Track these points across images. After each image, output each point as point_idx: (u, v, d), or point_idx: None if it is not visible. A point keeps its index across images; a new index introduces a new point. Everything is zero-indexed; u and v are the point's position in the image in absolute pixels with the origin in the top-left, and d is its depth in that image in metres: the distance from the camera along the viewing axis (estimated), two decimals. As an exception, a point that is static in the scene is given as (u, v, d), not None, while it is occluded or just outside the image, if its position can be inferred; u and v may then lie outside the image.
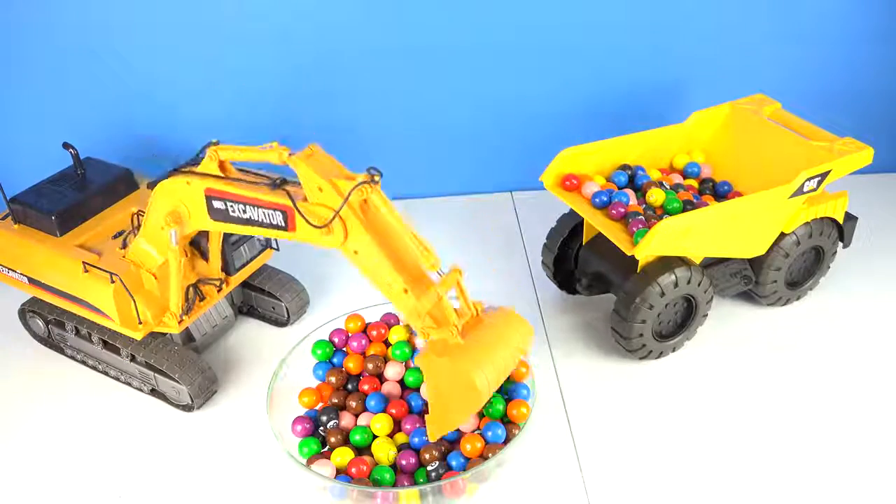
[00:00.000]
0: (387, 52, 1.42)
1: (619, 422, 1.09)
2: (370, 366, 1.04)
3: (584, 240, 1.24)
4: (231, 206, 0.94)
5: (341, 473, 0.94)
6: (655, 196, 1.17)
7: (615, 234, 1.12)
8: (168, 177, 0.98)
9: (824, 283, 1.29)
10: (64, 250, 1.12)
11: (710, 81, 1.49)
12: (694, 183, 1.27)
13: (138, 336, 1.09)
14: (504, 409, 0.97)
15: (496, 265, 1.38)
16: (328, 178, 0.86)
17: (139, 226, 1.08)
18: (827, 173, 1.15)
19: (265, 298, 1.26)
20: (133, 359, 1.14)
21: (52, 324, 1.21)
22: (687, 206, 1.17)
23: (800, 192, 1.14)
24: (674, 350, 1.19)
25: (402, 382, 1.04)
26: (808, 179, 1.14)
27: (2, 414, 1.14)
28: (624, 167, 1.25)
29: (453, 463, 0.93)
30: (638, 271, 1.12)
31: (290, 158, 0.86)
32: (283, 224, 0.91)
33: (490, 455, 0.92)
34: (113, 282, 1.06)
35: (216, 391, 1.15)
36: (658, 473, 1.02)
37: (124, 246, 1.10)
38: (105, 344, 1.16)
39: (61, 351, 1.23)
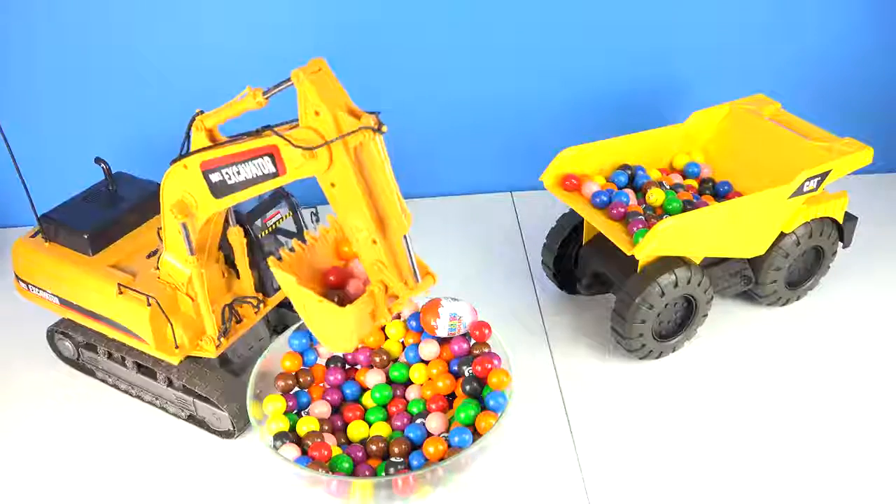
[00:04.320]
0: (386, 51, 1.42)
1: (619, 422, 1.09)
2: (377, 358, 1.05)
3: (584, 240, 1.25)
4: (226, 172, 0.90)
5: (307, 442, 0.95)
6: (655, 196, 1.17)
7: (615, 234, 1.12)
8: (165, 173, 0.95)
9: (824, 283, 1.29)
10: (97, 271, 1.07)
11: (710, 81, 1.49)
12: (694, 183, 1.27)
13: (175, 360, 1.05)
14: (475, 415, 0.95)
15: (496, 265, 1.38)
16: (331, 108, 0.81)
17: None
18: (827, 173, 1.15)
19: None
20: (170, 384, 1.10)
21: (82, 347, 1.16)
22: (687, 206, 1.17)
23: (800, 192, 1.14)
24: (674, 350, 1.19)
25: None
26: (808, 179, 1.14)
27: (32, 439, 1.10)
28: (624, 167, 1.25)
29: (414, 462, 0.93)
30: (638, 271, 1.12)
31: (293, 73, 0.81)
32: (274, 169, 0.87)
33: (440, 461, 0.91)
34: (149, 304, 1.02)
35: None
36: (658, 473, 1.02)
37: (157, 268, 1.05)
38: (140, 368, 1.12)
39: (92, 374, 1.18)
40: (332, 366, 1.06)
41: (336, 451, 0.95)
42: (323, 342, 0.94)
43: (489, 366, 0.99)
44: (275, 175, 0.88)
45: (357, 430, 0.99)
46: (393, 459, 0.93)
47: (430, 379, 1.02)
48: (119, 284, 1.04)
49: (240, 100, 0.88)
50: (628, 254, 1.09)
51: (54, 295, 1.11)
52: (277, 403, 0.99)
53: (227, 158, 0.89)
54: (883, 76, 1.52)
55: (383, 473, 0.93)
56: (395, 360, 1.07)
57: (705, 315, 1.18)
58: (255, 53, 1.39)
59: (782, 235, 1.19)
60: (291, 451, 0.93)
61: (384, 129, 0.82)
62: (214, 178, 0.92)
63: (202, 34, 1.37)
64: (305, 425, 0.97)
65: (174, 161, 0.93)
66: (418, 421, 0.98)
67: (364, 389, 1.05)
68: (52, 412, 1.14)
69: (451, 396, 1.01)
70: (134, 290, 1.03)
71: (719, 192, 1.25)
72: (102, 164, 1.13)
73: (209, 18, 1.36)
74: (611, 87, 1.50)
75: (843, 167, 1.17)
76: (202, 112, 0.90)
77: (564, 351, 1.21)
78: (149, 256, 1.09)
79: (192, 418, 1.11)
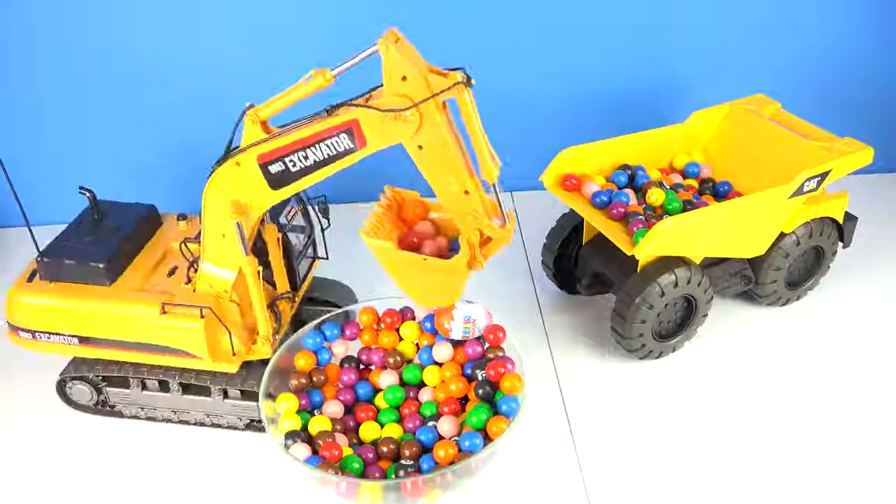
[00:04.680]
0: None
1: (619, 422, 1.09)
2: (391, 360, 1.05)
3: (584, 240, 1.25)
4: (291, 160, 0.89)
5: (318, 441, 0.94)
6: (655, 196, 1.17)
7: (615, 234, 1.12)
8: (211, 174, 0.92)
9: (824, 283, 1.29)
10: (127, 298, 1.02)
11: (710, 81, 1.49)
12: (694, 183, 1.28)
13: (233, 369, 1.02)
14: (487, 420, 0.94)
15: (496, 265, 1.37)
16: (419, 71, 0.83)
17: (193, 255, 1.02)
18: (827, 173, 1.15)
19: (317, 309, 1.18)
20: (226, 395, 1.07)
21: (105, 386, 1.10)
22: (687, 206, 1.17)
23: (800, 192, 1.14)
24: (674, 350, 1.19)
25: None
26: (808, 179, 1.14)
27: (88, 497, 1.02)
28: (624, 167, 1.25)
29: (424, 465, 0.92)
30: (638, 271, 1.12)
31: (378, 43, 0.83)
32: (352, 144, 0.88)
33: (450, 465, 0.90)
34: (203, 316, 0.99)
35: None
36: (658, 473, 1.02)
37: (189, 281, 1.03)
38: (185, 389, 1.08)
39: (119, 414, 1.12)
40: (345, 366, 1.06)
41: (347, 451, 0.95)
42: (427, 303, 0.99)
43: (502, 370, 0.98)
44: (351, 151, 0.88)
45: (369, 431, 0.99)
46: (403, 462, 0.93)
47: (443, 382, 1.02)
48: (163, 304, 1.00)
49: (304, 83, 0.87)
50: (628, 254, 1.09)
51: (73, 336, 1.04)
52: (290, 402, 0.98)
53: (293, 145, 0.89)
54: (883, 76, 1.52)
55: (393, 476, 0.92)
56: (410, 362, 1.06)
57: (705, 315, 1.18)
58: (255, 56, 1.39)
59: (782, 235, 1.19)
60: (302, 450, 0.93)
61: (472, 81, 0.84)
62: (275, 168, 0.91)
63: (202, 36, 1.37)
64: (317, 424, 0.97)
65: (220, 162, 0.92)
66: (430, 424, 0.97)
67: (377, 390, 1.04)
68: (92, 464, 1.07)
69: (465, 400, 1.01)
70: (182, 306, 0.99)
71: (719, 192, 1.25)
72: (87, 193, 1.08)
73: (209, 20, 1.36)
74: (611, 87, 1.50)
75: (843, 167, 1.17)
76: (252, 105, 0.89)
77: (564, 351, 1.21)
78: (170, 275, 1.06)
79: (252, 424, 1.09)
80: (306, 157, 0.89)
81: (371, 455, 0.95)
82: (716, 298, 1.21)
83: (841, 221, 1.24)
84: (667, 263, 1.10)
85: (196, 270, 1.02)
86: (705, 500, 0.99)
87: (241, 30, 1.38)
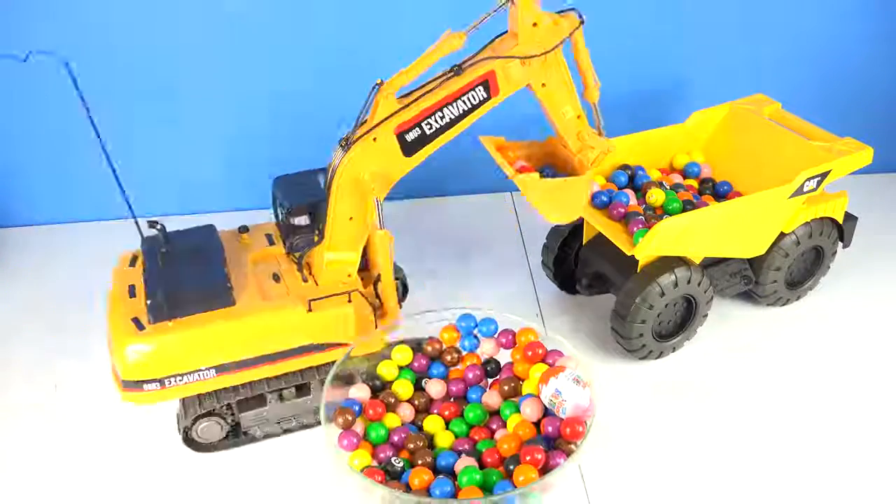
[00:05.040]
0: (385, 51, 1.41)
1: (619, 422, 1.09)
2: (506, 387, 0.99)
3: (584, 240, 1.25)
4: (427, 123, 0.97)
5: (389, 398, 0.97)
6: (655, 196, 1.17)
7: (615, 234, 1.12)
8: (344, 155, 0.95)
9: (824, 283, 1.29)
10: (264, 309, 0.99)
11: (710, 81, 1.49)
12: (694, 183, 1.28)
13: (378, 347, 1.03)
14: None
15: (496, 265, 1.38)
16: (549, 16, 0.95)
17: (297, 258, 1.04)
18: (827, 173, 1.15)
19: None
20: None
21: (236, 412, 1.04)
22: (687, 206, 1.17)
23: (800, 192, 1.14)
24: (674, 350, 1.19)
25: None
26: (808, 179, 1.14)
27: None
28: (624, 167, 1.25)
29: (436, 491, 0.86)
30: (638, 271, 1.12)
31: None
32: (486, 95, 0.97)
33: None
34: (350, 300, 1.00)
35: None
36: (658, 473, 1.02)
37: (305, 279, 1.03)
38: (299, 391, 1.06)
39: (253, 438, 1.07)
40: (474, 363, 1.02)
41: (393, 419, 0.95)
42: (565, 218, 1.09)
43: (528, 457, 0.89)
44: (484, 101, 0.98)
45: (431, 424, 0.96)
46: (393, 460, 0.90)
47: (516, 433, 0.94)
48: (309, 301, 0.99)
49: (435, 48, 0.94)
50: (628, 254, 1.09)
51: (211, 368, 0.99)
52: (405, 353, 1.02)
53: (432, 108, 0.96)
54: (883, 76, 1.52)
55: (388, 469, 0.89)
56: (515, 397, 0.99)
57: (705, 315, 1.18)
58: (255, 56, 1.39)
59: (782, 235, 1.19)
60: (360, 391, 0.97)
61: (584, 19, 0.98)
62: (411, 135, 0.97)
63: (202, 37, 1.38)
64: (401, 388, 0.99)
65: (350, 144, 0.94)
66: (464, 448, 0.93)
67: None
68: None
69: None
70: (327, 298, 1.00)
71: (719, 192, 1.25)
72: (157, 226, 1.01)
73: (211, 22, 1.36)
74: (611, 87, 1.48)
75: (843, 167, 1.17)
76: (382, 81, 0.93)
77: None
78: (276, 281, 1.04)
79: None
80: (442, 117, 0.96)
81: (398, 438, 0.93)
82: (716, 298, 1.21)
83: (841, 221, 1.24)
84: (667, 263, 1.10)
85: (307, 269, 1.04)
86: (705, 501, 0.99)
87: (241, 29, 1.38)
